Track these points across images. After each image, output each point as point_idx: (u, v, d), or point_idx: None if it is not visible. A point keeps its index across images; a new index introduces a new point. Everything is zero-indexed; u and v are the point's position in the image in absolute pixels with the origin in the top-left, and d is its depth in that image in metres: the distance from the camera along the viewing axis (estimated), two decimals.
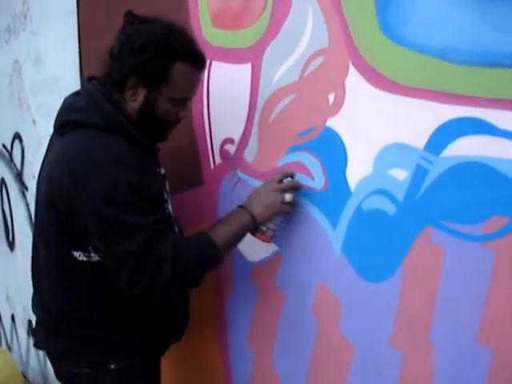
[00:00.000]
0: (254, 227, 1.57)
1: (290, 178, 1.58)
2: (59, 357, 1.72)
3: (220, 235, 1.53)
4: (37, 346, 1.82)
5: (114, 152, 1.46)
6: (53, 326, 1.68)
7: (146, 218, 1.44)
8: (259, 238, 1.60)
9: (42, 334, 1.74)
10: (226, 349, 1.93)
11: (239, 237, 1.59)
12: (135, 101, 1.53)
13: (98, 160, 1.44)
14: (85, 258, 1.54)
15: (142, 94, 1.52)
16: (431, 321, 1.27)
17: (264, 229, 1.58)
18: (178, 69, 1.49)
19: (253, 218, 1.55)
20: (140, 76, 1.49)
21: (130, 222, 1.42)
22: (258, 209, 1.56)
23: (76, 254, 1.54)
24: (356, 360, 1.46)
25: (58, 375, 1.77)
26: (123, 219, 1.41)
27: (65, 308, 1.64)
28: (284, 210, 1.57)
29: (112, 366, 1.64)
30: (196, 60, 1.53)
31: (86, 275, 1.56)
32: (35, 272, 1.73)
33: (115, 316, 1.61)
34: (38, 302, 1.74)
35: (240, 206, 1.60)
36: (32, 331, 1.77)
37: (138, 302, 1.49)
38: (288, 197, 1.54)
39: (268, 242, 1.61)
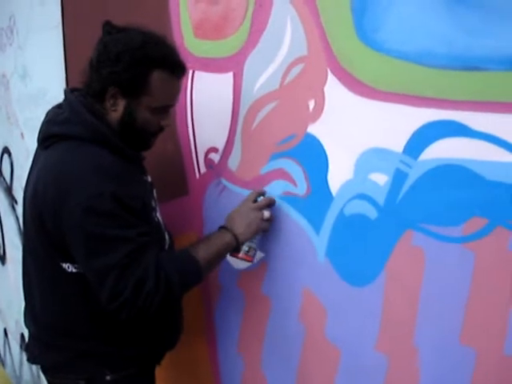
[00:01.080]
0: (236, 247, 1.58)
1: (262, 197, 1.60)
2: (54, 370, 1.70)
3: (202, 254, 1.52)
4: (30, 360, 1.80)
5: (96, 163, 1.46)
6: (46, 339, 1.68)
7: (130, 231, 1.43)
8: (242, 259, 1.61)
9: (35, 348, 1.73)
10: (216, 356, 1.93)
11: (221, 256, 1.59)
12: (116, 111, 1.53)
13: (82, 172, 1.44)
14: (74, 270, 1.54)
15: (121, 103, 1.52)
16: (415, 324, 1.28)
17: (247, 249, 1.59)
18: (156, 77, 1.48)
19: (235, 237, 1.56)
20: (118, 86, 1.49)
21: (113, 235, 1.41)
22: (239, 228, 1.56)
23: (65, 265, 1.54)
24: (342, 364, 1.47)
25: None
26: (106, 231, 1.41)
27: (57, 320, 1.63)
28: (263, 228, 1.59)
29: (108, 378, 1.63)
30: (174, 67, 1.53)
31: (75, 287, 1.56)
32: (26, 285, 1.73)
33: (108, 328, 1.60)
34: (30, 315, 1.73)
35: (221, 227, 1.60)
36: (25, 346, 1.76)
37: (116, 316, 1.46)
38: (267, 214, 1.57)
39: (251, 261, 1.62)
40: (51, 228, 1.49)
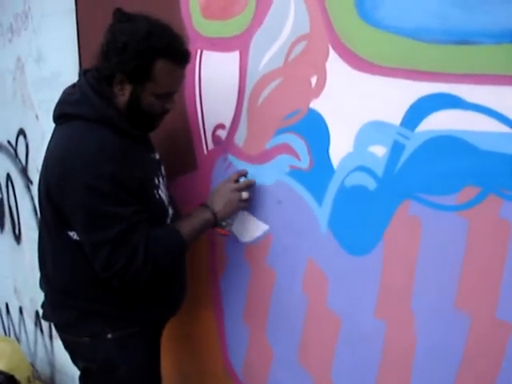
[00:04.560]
0: (215, 223, 1.74)
1: (244, 178, 1.75)
2: (63, 327, 1.86)
3: (186, 231, 1.68)
4: (44, 318, 1.94)
5: (99, 144, 1.56)
6: (56, 299, 1.82)
7: (126, 209, 1.56)
8: (219, 232, 1.80)
9: (48, 307, 1.87)
10: (222, 327, 1.98)
11: (202, 231, 1.76)
12: (123, 95, 1.63)
13: (86, 151, 1.54)
14: (78, 238, 1.65)
15: (128, 89, 1.61)
16: (412, 290, 1.33)
17: (224, 224, 1.77)
18: (160, 66, 1.57)
19: (214, 215, 1.72)
20: (125, 73, 1.58)
21: (109, 212, 1.54)
22: (218, 207, 1.72)
23: (70, 233, 1.66)
24: (343, 332, 1.52)
25: (64, 344, 1.90)
26: (104, 208, 1.54)
27: (65, 282, 1.76)
28: (241, 207, 1.76)
29: (109, 336, 1.75)
30: (177, 57, 1.60)
31: (80, 253, 1.65)
32: (41, 251, 1.85)
33: (110, 291, 1.70)
34: (43, 278, 1.86)
35: (202, 205, 1.75)
36: (41, 304, 1.91)
37: (109, 283, 1.63)
38: (245, 195, 1.72)
39: (227, 235, 1.81)
40: (56, 200, 1.62)
